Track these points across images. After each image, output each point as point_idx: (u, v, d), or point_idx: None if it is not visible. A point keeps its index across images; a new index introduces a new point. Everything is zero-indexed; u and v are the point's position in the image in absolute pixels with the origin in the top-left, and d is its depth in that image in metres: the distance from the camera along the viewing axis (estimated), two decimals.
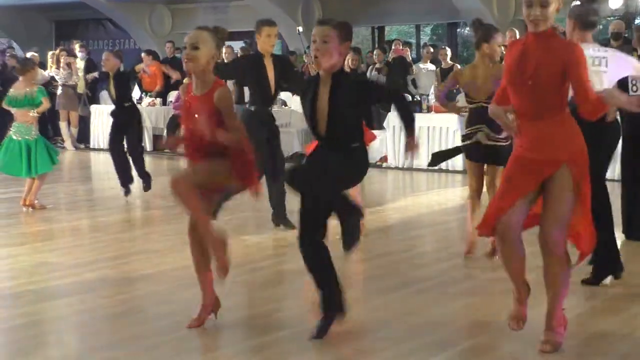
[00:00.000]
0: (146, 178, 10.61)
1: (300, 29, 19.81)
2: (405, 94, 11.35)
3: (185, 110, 5.07)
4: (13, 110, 9.79)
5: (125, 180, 10.50)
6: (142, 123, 11.10)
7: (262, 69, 8.03)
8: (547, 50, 4.45)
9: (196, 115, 4.91)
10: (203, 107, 4.89)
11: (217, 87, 4.91)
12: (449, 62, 15.47)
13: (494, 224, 4.58)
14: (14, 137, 9.65)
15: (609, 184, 6.14)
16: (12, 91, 9.80)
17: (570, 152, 4.52)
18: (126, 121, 10.58)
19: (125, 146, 10.56)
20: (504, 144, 6.76)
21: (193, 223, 5.04)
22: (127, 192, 10.48)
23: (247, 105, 8.35)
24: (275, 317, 5.58)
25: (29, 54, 18.65)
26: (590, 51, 5.97)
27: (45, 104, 9.86)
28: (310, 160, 4.99)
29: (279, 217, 8.27)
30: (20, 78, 9.86)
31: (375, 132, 14.80)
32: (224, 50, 16.58)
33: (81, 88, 17.34)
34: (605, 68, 6.01)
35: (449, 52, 15.69)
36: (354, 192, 7.44)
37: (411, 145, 4.85)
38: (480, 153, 6.91)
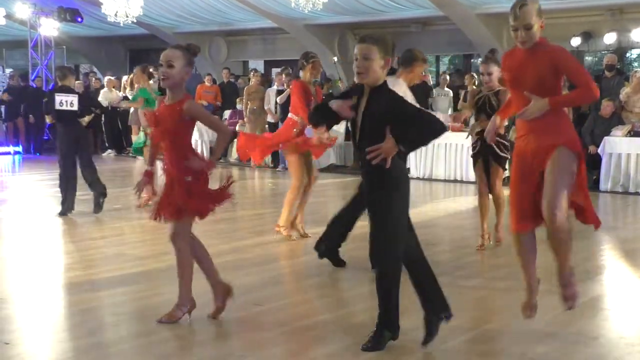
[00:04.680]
0: None
1: (335, 58, 19.84)
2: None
3: (153, 116, 4.96)
4: None
5: None
6: None
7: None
8: (537, 58, 4.45)
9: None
10: (170, 114, 4.81)
11: (186, 99, 4.83)
12: (474, 87, 15.48)
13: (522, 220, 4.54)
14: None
15: None
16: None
17: (566, 139, 4.48)
18: None
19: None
20: None
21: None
22: None
23: None
24: (316, 304, 5.57)
25: (106, 78, 18.89)
26: None
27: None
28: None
29: None
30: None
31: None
32: (251, 76, 16.60)
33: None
34: None
35: (475, 77, 15.77)
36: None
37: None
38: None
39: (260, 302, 5.49)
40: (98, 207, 9.46)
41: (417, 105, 4.51)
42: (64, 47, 22.74)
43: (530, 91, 4.45)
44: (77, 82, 20.26)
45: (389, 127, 4.09)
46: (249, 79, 16.82)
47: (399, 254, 4.30)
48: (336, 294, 5.77)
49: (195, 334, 4.81)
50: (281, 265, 6.80)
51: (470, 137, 7.38)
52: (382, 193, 4.24)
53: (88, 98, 10.32)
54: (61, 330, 4.96)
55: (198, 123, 4.96)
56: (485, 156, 7.25)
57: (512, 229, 4.63)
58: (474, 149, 7.40)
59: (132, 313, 5.30)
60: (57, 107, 9.21)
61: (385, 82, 4.26)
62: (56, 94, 9.29)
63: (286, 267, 6.77)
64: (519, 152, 4.60)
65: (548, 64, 4.42)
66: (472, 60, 20.13)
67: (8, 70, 22.94)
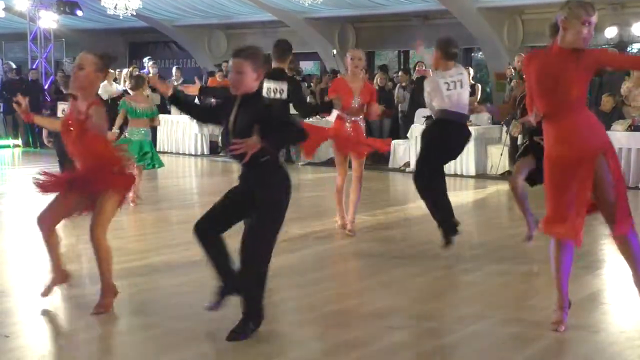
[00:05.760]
0: None
1: (335, 51, 19.82)
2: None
3: (66, 121, 5.08)
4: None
5: None
6: None
7: None
8: (572, 60, 4.44)
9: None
10: (77, 117, 4.92)
11: (94, 104, 4.93)
12: (471, 81, 15.48)
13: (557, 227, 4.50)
14: (132, 139, 9.62)
15: None
16: (133, 104, 9.78)
17: (603, 142, 4.49)
18: None
19: None
20: None
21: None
22: None
23: None
24: (314, 298, 5.58)
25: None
26: (447, 78, 6.64)
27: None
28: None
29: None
30: (134, 93, 9.94)
31: (399, 141, 14.83)
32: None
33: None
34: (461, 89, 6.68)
35: (471, 71, 15.73)
36: (353, 198, 7.43)
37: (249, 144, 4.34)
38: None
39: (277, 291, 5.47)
40: None
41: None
42: (63, 39, 22.68)
43: (555, 92, 4.42)
44: None
45: (257, 127, 4.34)
46: None
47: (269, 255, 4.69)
48: (335, 289, 5.77)
49: (195, 328, 4.82)
50: (280, 260, 6.74)
51: (512, 134, 7.49)
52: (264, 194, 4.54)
53: None
54: (61, 323, 4.97)
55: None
56: (536, 153, 6.62)
57: (546, 230, 4.59)
58: (523, 145, 7.08)
59: (131, 306, 5.31)
60: (60, 114, 9.38)
61: (257, 91, 4.56)
62: (59, 102, 9.52)
63: (285, 261, 6.76)
64: (557, 161, 4.47)
65: (584, 65, 4.43)
66: (472, 54, 20.10)
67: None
